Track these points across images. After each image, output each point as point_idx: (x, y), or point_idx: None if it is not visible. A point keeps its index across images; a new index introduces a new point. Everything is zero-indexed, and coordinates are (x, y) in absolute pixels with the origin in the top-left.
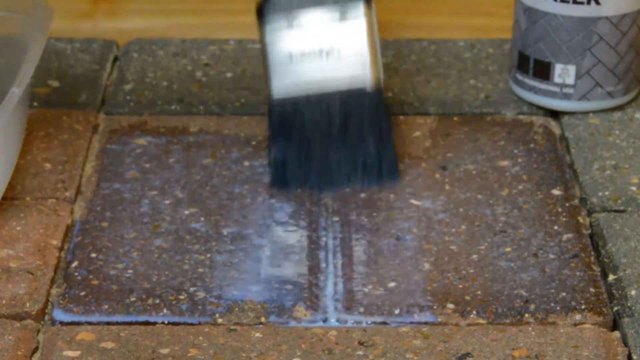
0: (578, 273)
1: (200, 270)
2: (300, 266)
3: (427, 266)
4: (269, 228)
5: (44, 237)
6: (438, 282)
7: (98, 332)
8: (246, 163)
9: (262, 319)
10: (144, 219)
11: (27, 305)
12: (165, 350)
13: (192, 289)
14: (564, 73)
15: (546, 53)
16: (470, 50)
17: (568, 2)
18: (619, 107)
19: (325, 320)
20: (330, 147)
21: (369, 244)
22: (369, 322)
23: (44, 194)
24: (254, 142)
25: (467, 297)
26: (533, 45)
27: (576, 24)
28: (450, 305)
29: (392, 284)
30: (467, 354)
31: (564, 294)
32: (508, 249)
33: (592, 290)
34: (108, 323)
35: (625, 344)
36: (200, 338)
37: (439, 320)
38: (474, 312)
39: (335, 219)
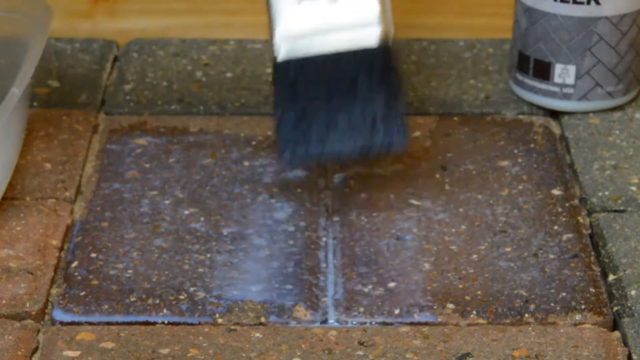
0: (578, 273)
1: (200, 270)
2: (300, 266)
3: (427, 266)
4: (269, 228)
5: (44, 237)
6: (438, 282)
7: (98, 332)
8: (246, 163)
9: (262, 319)
10: (144, 219)
11: (27, 305)
12: (165, 350)
13: (192, 289)
14: (564, 73)
15: (546, 53)
16: (470, 50)
17: (568, 2)
18: (619, 107)
19: (325, 320)
20: (337, 109)
21: (368, 244)
22: (369, 322)
23: (44, 194)
24: (254, 142)
25: (467, 297)
26: (533, 45)
27: (576, 24)
28: (450, 305)
29: (392, 284)
30: (467, 354)
31: (564, 294)
32: (508, 249)
33: (592, 290)
34: (108, 323)
35: (625, 344)
36: (200, 338)
37: (439, 320)
38: (474, 312)
39: (335, 219)
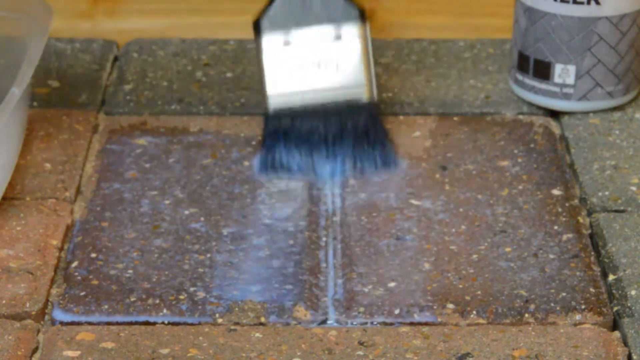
0: (578, 273)
1: (200, 270)
2: (300, 266)
3: (427, 266)
4: (269, 228)
5: (44, 237)
6: (438, 282)
7: (98, 332)
8: (246, 163)
9: (262, 319)
10: (144, 219)
11: (27, 305)
12: (165, 350)
13: (192, 289)
14: (564, 73)
15: (546, 53)
16: (470, 50)
17: (568, 2)
18: (619, 107)
19: (325, 320)
20: (324, 154)
21: (368, 244)
22: (369, 322)
23: (44, 194)
24: (254, 142)
25: (467, 297)
26: (533, 45)
27: (576, 24)
28: (450, 305)
29: (392, 284)
30: (467, 354)
31: (564, 294)
32: (508, 249)
33: (592, 290)
34: (108, 323)
35: (625, 344)
36: (200, 338)
37: (439, 320)
38: (474, 312)
39: (335, 219)
